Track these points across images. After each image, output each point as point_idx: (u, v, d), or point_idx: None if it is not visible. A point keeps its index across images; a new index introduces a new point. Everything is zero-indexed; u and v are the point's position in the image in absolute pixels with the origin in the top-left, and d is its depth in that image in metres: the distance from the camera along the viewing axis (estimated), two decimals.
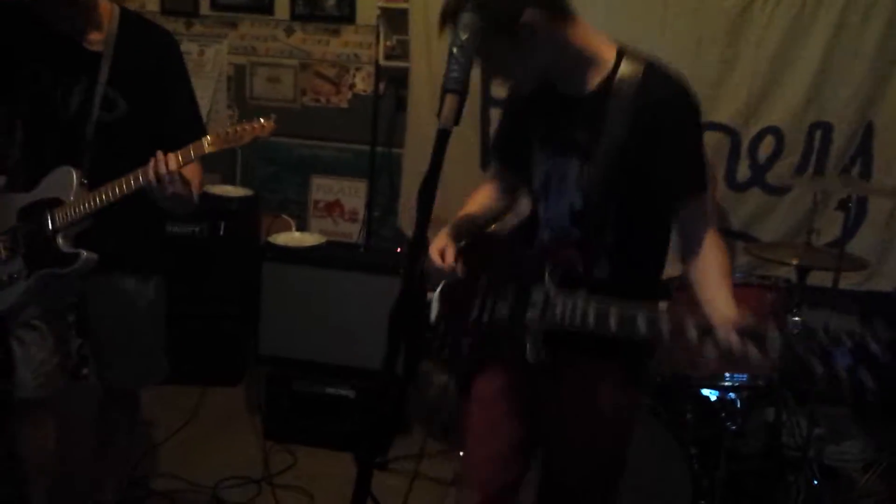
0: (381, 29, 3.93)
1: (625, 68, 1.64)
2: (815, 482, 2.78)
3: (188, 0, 4.19)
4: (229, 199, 3.84)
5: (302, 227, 4.17)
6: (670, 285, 2.61)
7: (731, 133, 3.51)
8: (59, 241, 2.12)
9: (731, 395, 2.57)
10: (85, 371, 2.82)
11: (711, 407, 2.66)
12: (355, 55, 4.11)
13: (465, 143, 3.79)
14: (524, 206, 1.98)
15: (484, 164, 3.84)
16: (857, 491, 3.05)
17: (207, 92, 4.14)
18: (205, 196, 3.73)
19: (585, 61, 1.68)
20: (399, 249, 3.76)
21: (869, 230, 3.46)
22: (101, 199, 2.07)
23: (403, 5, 3.79)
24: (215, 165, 4.20)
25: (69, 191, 2.12)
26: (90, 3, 2.14)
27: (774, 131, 3.48)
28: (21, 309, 2.20)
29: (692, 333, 1.41)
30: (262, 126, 2.00)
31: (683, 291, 2.57)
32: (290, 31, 4.15)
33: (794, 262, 2.83)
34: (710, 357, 1.36)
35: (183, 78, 2.29)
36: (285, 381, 3.27)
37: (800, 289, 2.85)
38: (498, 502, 1.90)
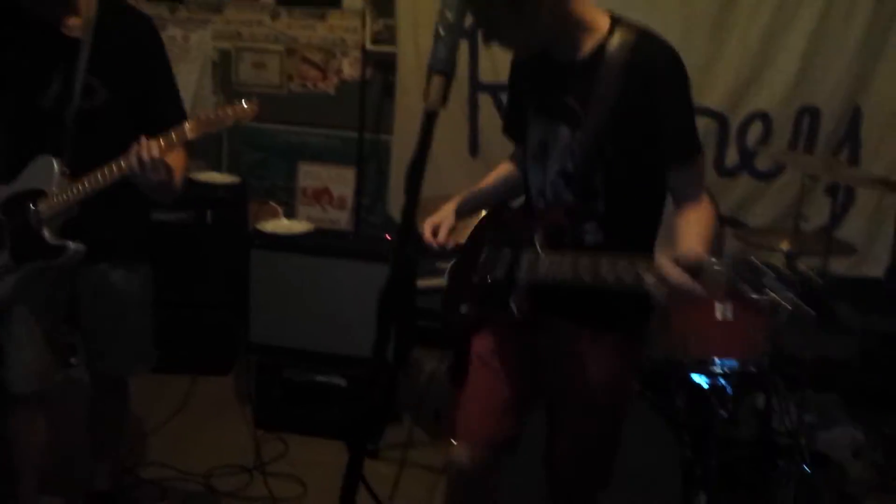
0: (368, 13, 3.90)
1: (618, 36, 1.67)
2: (806, 468, 2.80)
3: None
4: (216, 187, 3.81)
5: (290, 215, 4.14)
6: None
7: (719, 118, 3.51)
8: (45, 233, 2.10)
9: (722, 381, 2.57)
10: (74, 360, 2.82)
11: (702, 394, 2.67)
12: (342, 40, 4.07)
13: (454, 128, 3.78)
14: None
15: (473, 150, 3.83)
16: (849, 477, 3.07)
17: (192, 77, 4.09)
18: (191, 183, 3.74)
19: (581, 28, 1.70)
20: (388, 236, 3.74)
21: (857, 215, 3.48)
22: (84, 188, 2.05)
23: None
24: (201, 152, 4.16)
25: (51, 181, 2.09)
26: None
27: (762, 116, 3.49)
28: (10, 303, 2.18)
29: (648, 276, 1.42)
30: (244, 110, 1.98)
31: None
32: (275, 16, 4.10)
33: (783, 247, 2.83)
34: (658, 295, 1.37)
35: (163, 63, 2.26)
36: (276, 370, 3.26)
37: None
38: (487, 456, 1.93)
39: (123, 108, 2.16)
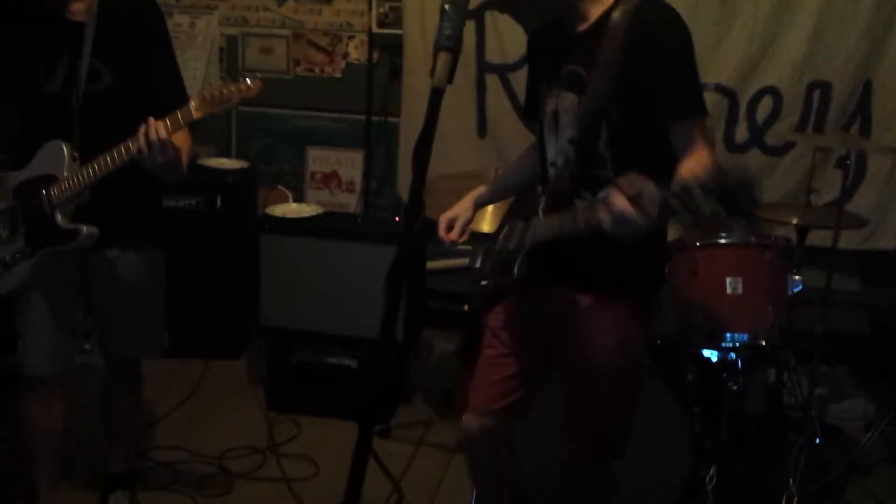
0: None
1: (623, 4, 1.69)
2: (817, 441, 2.80)
3: None
4: (225, 172, 3.81)
5: (299, 199, 4.15)
6: (670, 248, 2.61)
7: (729, 94, 3.49)
8: (58, 217, 2.11)
9: (732, 355, 2.57)
10: (87, 346, 2.84)
11: (713, 367, 2.66)
12: (348, 23, 4.06)
13: (462, 109, 3.78)
14: None
15: (481, 131, 3.83)
16: (859, 449, 3.07)
17: (199, 64, 4.10)
18: (200, 169, 3.76)
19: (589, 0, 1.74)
20: (397, 219, 3.75)
21: (869, 188, 3.46)
22: (94, 172, 2.05)
23: None
24: (210, 138, 4.17)
25: (62, 166, 2.10)
26: None
27: (772, 91, 3.46)
28: (27, 288, 2.20)
29: (600, 209, 1.42)
30: (249, 87, 1.97)
31: (683, 253, 2.59)
32: (281, 1, 4.10)
33: (794, 221, 2.82)
34: (607, 225, 1.38)
35: (167, 46, 2.26)
36: (287, 353, 3.27)
37: (799, 248, 2.85)
38: (494, 425, 2.03)
39: (129, 91, 2.16)
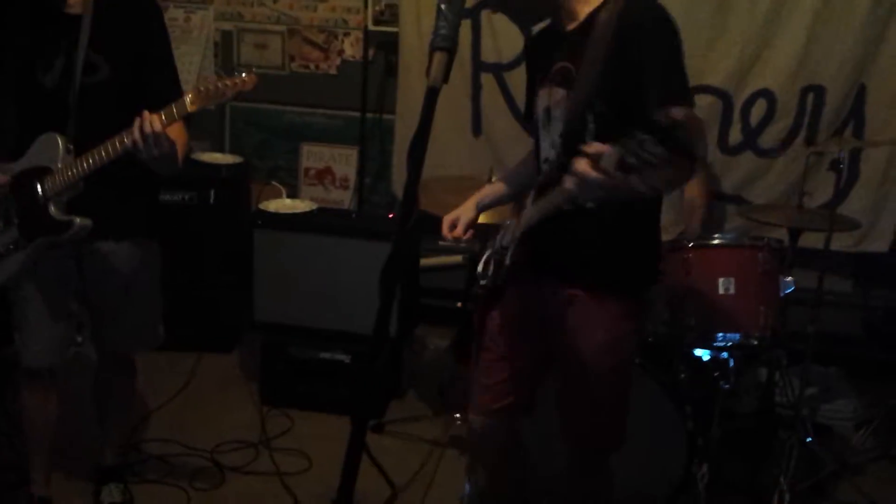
0: None
1: (612, 2, 1.72)
2: (809, 440, 2.82)
3: None
4: (219, 167, 3.81)
5: (293, 195, 4.15)
6: (663, 248, 2.62)
7: (723, 96, 3.50)
8: (52, 209, 2.11)
9: (724, 354, 2.58)
10: (80, 338, 2.84)
11: (705, 366, 2.68)
12: (343, 20, 4.06)
13: (457, 108, 3.78)
14: None
15: (476, 130, 3.83)
16: (851, 448, 3.10)
17: (195, 59, 4.09)
18: (194, 164, 3.75)
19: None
20: (391, 216, 3.75)
21: (861, 191, 3.48)
22: (88, 164, 2.05)
23: None
24: (204, 133, 4.17)
25: (56, 158, 2.10)
26: None
27: (767, 94, 3.48)
28: (21, 280, 2.21)
29: (567, 179, 1.44)
30: (244, 81, 1.97)
31: (676, 253, 2.60)
32: None
33: (787, 224, 2.83)
34: (574, 191, 1.41)
35: (164, 39, 2.25)
36: (280, 347, 3.28)
37: (792, 250, 2.86)
38: (498, 423, 2.10)
39: (125, 84, 2.16)
